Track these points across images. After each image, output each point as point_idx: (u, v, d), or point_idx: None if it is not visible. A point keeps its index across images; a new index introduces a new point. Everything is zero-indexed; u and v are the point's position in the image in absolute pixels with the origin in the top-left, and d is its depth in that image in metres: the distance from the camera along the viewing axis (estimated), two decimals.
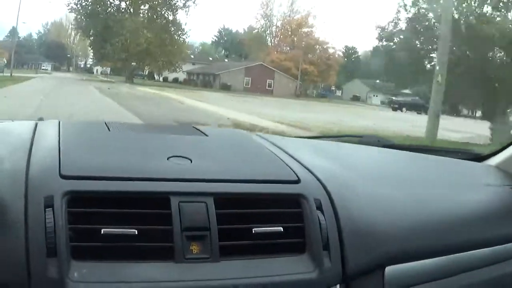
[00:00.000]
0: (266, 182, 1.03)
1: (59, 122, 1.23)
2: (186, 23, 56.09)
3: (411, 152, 1.70)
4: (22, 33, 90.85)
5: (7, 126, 1.31)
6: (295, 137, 1.89)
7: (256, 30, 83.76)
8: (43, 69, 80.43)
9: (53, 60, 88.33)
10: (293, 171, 1.10)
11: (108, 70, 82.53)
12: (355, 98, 67.11)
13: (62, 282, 0.79)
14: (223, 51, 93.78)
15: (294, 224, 0.99)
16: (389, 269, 1.09)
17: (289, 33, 71.10)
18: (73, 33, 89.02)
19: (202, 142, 1.25)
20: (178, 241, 0.89)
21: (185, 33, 51.44)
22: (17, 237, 0.81)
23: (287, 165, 1.13)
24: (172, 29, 50.53)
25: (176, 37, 50.60)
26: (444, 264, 1.18)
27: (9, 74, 39.96)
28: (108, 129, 1.24)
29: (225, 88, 54.12)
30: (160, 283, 0.84)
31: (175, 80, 62.99)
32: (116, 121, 1.41)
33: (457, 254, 1.21)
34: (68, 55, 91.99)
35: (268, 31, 78.37)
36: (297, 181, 1.06)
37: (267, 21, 78.16)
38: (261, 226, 0.96)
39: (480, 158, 1.76)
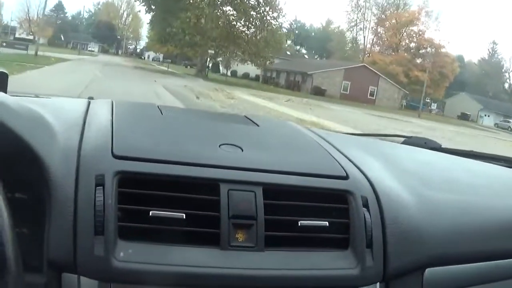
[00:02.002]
0: (315, 176, 1.02)
1: (112, 102, 1.24)
2: (285, 2, 38.42)
3: (460, 157, 1.68)
4: (71, 10, 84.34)
5: (60, 102, 1.32)
6: (342, 133, 1.91)
7: (337, 26, 70.23)
8: (89, 50, 74.04)
9: (101, 41, 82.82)
10: (342, 167, 1.08)
11: (161, 56, 74.81)
12: (464, 117, 52.16)
13: (107, 260, 0.80)
14: (287, 45, 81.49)
15: (339, 220, 0.98)
16: (429, 271, 1.08)
17: (395, 30, 56.81)
18: (125, 14, 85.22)
19: (253, 132, 1.24)
20: (225, 228, 0.88)
21: (283, 15, 37.07)
22: (66, 213, 0.82)
23: (336, 160, 1.12)
24: (264, 9, 36.23)
25: (269, 20, 36.28)
26: (486, 269, 1.18)
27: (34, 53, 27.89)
28: (161, 112, 1.22)
29: (319, 92, 40.71)
30: (204, 268, 0.84)
31: (246, 76, 49.42)
32: (168, 105, 1.43)
33: (500, 261, 1.20)
34: (118, 37, 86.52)
35: (362, 26, 64.33)
36: (346, 177, 1.04)
37: (359, 14, 64.13)
38: (307, 219, 0.95)
39: None
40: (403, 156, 1.46)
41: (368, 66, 46.83)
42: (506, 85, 74.16)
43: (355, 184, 1.03)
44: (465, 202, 1.23)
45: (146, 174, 0.88)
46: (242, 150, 1.04)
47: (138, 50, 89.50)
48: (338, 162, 1.10)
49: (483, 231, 1.18)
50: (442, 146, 1.78)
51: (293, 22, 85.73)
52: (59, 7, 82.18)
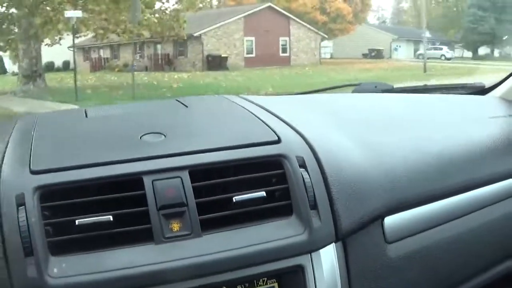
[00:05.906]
0: (244, 147, 0.98)
1: (37, 116, 1.21)
2: None
3: (410, 94, 1.65)
4: None
5: None
6: (286, 94, 1.82)
7: None
8: None
9: None
10: (273, 131, 1.04)
11: None
12: (376, 54, 35.89)
13: (42, 279, 0.78)
14: None
15: (278, 187, 0.94)
16: (388, 220, 1.04)
17: None
18: None
19: (180, 115, 1.20)
20: (156, 221, 0.85)
21: None
22: None
23: (267, 125, 1.07)
24: None
25: None
26: (449, 207, 1.15)
27: None
28: (86, 115, 1.19)
29: (217, 64, 24.63)
30: (141, 267, 0.81)
31: (50, 67, 23.34)
32: (98, 107, 1.36)
33: (460, 195, 1.17)
34: None
35: None
36: (278, 141, 1.00)
37: None
38: (241, 194, 0.91)
39: (483, 90, 1.72)
40: (347, 105, 1.39)
41: (274, 6, 29.41)
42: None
43: (288, 145, 0.98)
44: (416, 140, 1.17)
45: (64, 183, 0.85)
46: (165, 137, 0.99)
47: None
48: (270, 127, 1.04)
49: (438, 167, 1.12)
50: (394, 87, 1.66)
51: None
52: None
